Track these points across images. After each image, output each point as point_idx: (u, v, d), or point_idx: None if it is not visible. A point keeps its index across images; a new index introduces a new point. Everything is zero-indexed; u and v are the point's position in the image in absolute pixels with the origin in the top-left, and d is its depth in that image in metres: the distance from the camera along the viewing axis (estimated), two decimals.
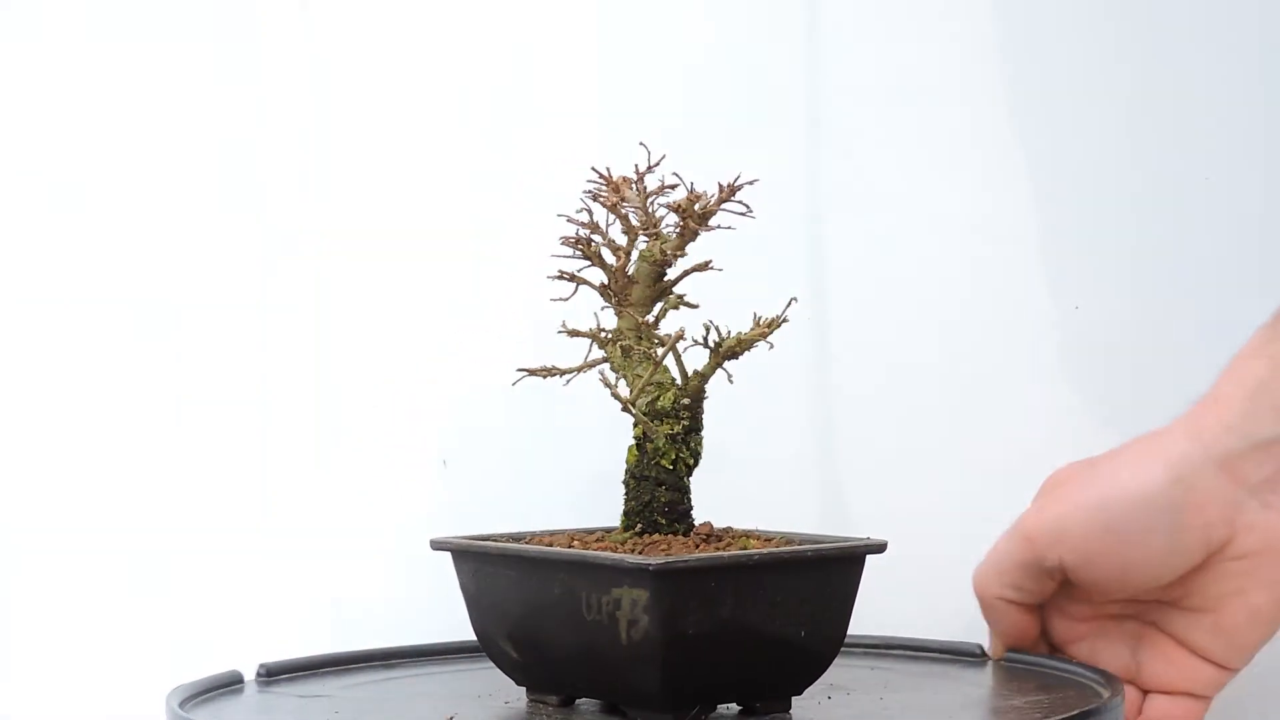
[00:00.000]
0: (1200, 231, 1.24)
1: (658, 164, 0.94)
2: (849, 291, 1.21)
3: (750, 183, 0.93)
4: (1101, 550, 1.02)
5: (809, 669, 0.93)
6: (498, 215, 1.24)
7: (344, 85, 1.24)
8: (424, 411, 1.22)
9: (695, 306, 0.95)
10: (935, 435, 1.23)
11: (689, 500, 0.96)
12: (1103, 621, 1.07)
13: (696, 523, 0.96)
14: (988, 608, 1.08)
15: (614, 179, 0.94)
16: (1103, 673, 0.99)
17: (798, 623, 0.90)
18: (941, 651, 1.10)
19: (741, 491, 1.13)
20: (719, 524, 0.96)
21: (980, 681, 1.03)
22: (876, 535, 0.94)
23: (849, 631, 0.94)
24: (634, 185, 0.94)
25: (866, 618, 1.04)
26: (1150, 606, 1.05)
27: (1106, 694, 0.96)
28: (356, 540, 1.21)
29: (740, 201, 0.93)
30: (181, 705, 0.95)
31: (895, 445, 1.22)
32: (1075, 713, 0.91)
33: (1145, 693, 1.07)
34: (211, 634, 1.19)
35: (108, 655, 1.20)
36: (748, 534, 0.96)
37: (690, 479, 0.96)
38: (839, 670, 1.00)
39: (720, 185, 0.93)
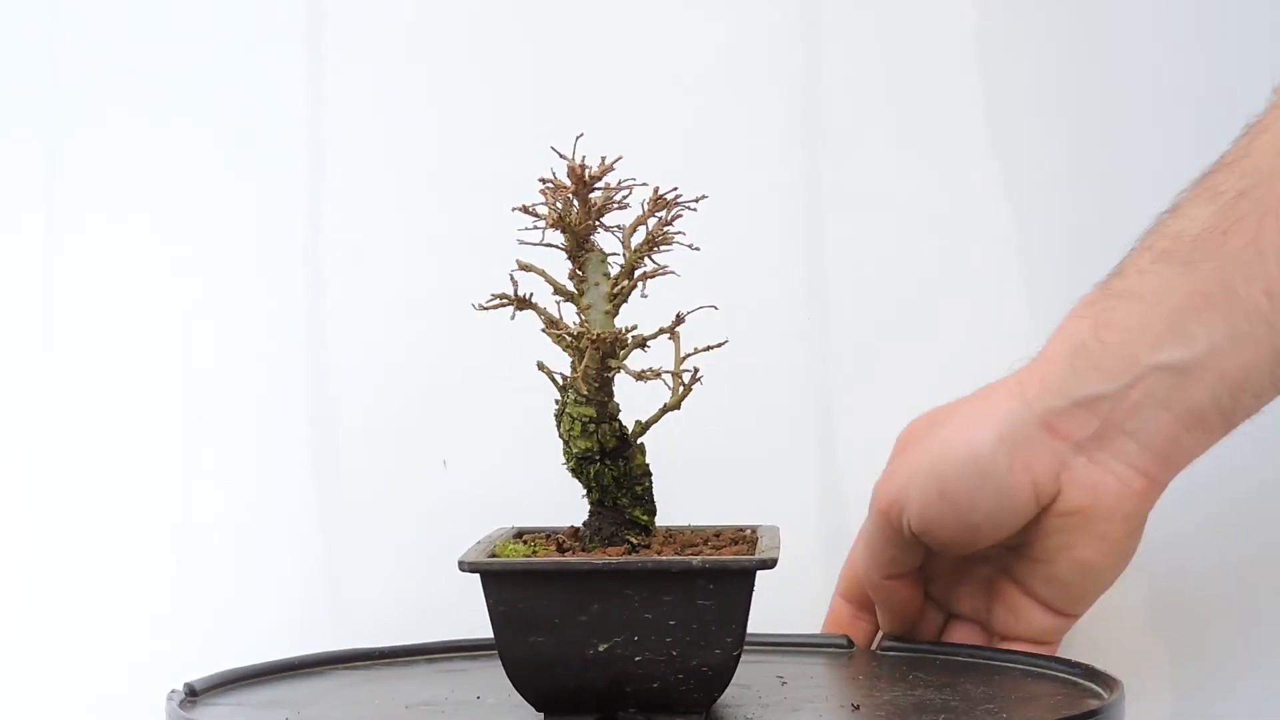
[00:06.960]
0: None
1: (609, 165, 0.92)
2: (849, 292, 1.21)
3: (698, 198, 0.92)
4: (939, 516, 1.03)
5: None
6: (497, 215, 1.24)
7: (345, 84, 1.25)
8: (424, 411, 1.22)
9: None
10: None
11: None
12: (959, 564, 1.09)
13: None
14: (874, 589, 1.09)
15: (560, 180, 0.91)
16: (1098, 674, 0.99)
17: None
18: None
19: (740, 489, 1.13)
20: (716, 522, 0.96)
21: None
22: None
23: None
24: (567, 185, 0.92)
25: None
26: (1000, 551, 1.06)
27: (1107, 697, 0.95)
28: (355, 540, 1.22)
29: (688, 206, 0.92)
30: (181, 705, 0.95)
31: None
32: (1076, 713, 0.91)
33: (996, 638, 1.08)
34: (209, 633, 1.20)
35: (106, 655, 1.21)
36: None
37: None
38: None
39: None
